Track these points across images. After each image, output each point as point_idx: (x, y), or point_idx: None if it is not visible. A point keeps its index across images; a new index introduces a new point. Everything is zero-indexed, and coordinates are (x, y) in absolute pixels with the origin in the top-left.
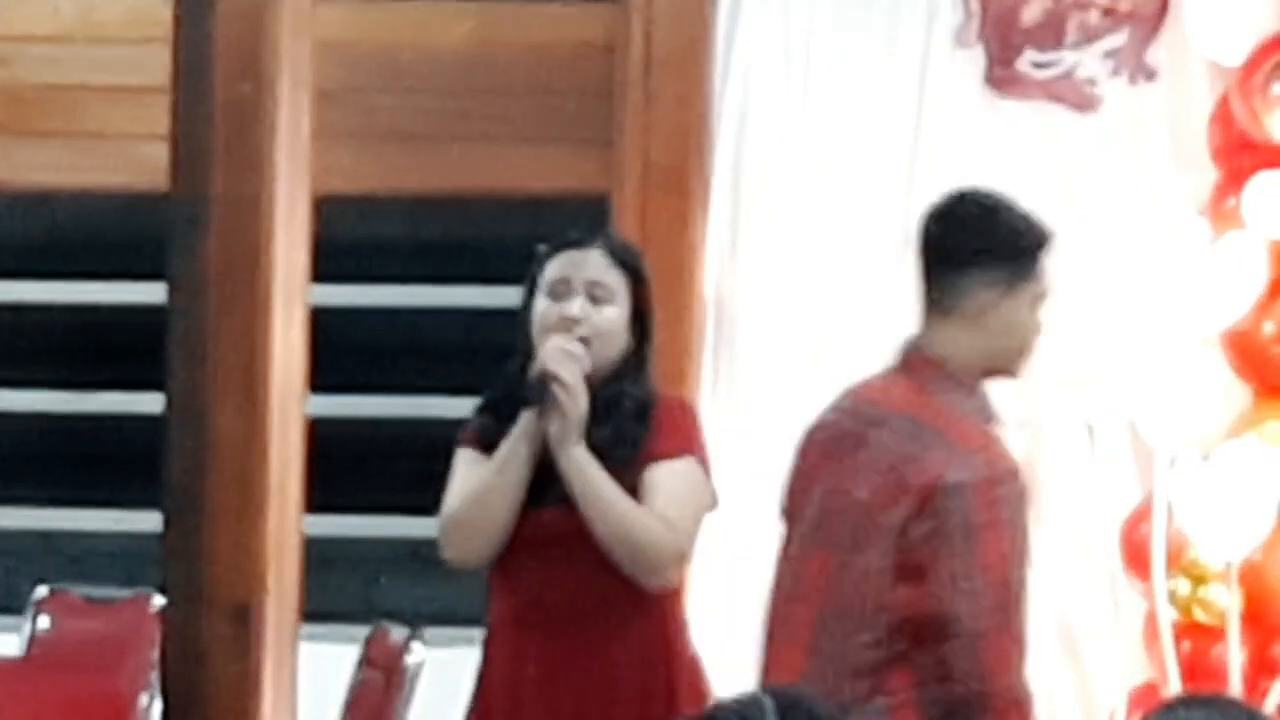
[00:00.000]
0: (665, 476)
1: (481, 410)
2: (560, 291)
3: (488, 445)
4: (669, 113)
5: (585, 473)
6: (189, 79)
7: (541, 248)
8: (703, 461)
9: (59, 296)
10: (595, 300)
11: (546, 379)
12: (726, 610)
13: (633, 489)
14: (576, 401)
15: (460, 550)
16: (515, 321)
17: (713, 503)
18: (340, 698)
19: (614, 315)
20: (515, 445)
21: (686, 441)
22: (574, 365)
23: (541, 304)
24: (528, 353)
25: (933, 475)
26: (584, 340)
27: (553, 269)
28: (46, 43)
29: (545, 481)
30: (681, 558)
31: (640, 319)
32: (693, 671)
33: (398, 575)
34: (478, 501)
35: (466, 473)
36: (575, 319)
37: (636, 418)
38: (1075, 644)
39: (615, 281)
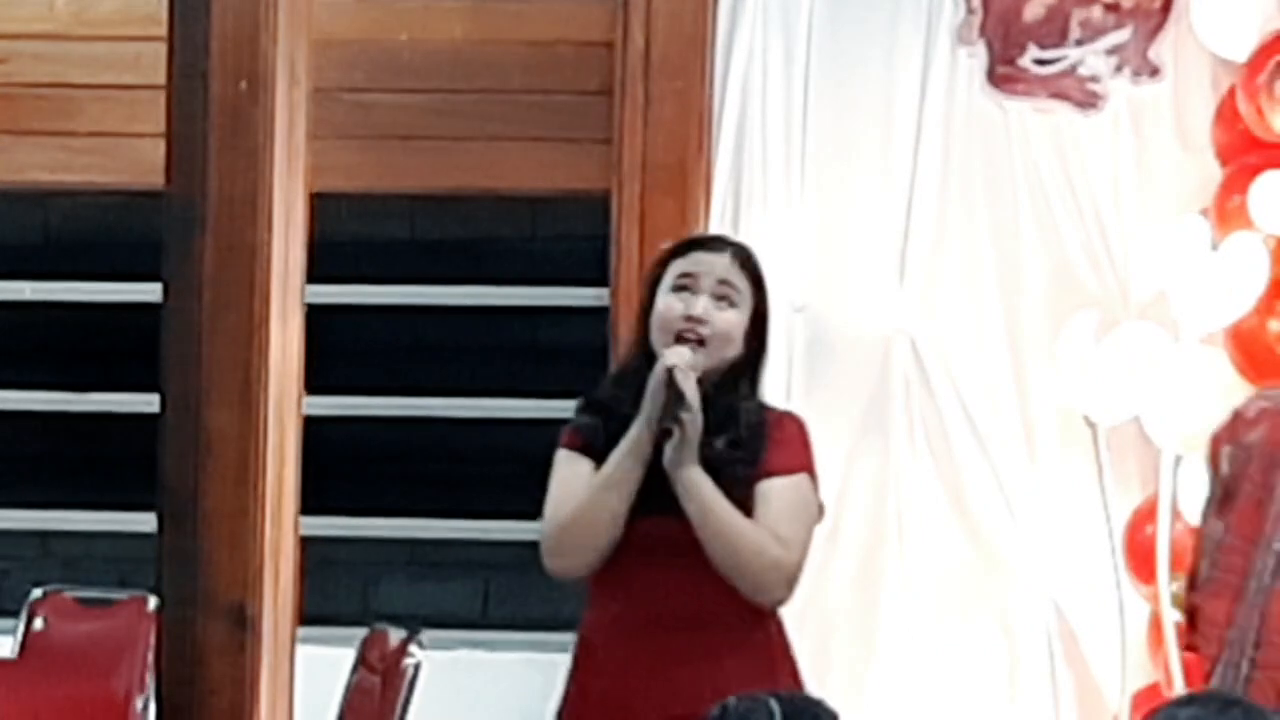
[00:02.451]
0: (780, 492)
1: (584, 410)
2: (686, 287)
3: (590, 447)
4: (669, 111)
5: (701, 493)
6: (184, 77)
7: (664, 246)
8: (814, 477)
9: (53, 296)
10: (720, 301)
11: (669, 395)
12: None
13: (744, 501)
14: (697, 422)
15: (565, 563)
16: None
17: (820, 516)
18: (337, 700)
19: (736, 319)
20: (625, 460)
21: (801, 458)
22: (693, 383)
23: (663, 300)
24: (644, 352)
25: None
26: (702, 341)
27: (679, 266)
28: (42, 41)
29: (656, 488)
30: (795, 576)
31: (758, 327)
32: (797, 686)
33: (395, 577)
34: (585, 516)
35: (569, 477)
36: (699, 318)
37: (754, 431)
38: (1078, 647)
39: (742, 285)
